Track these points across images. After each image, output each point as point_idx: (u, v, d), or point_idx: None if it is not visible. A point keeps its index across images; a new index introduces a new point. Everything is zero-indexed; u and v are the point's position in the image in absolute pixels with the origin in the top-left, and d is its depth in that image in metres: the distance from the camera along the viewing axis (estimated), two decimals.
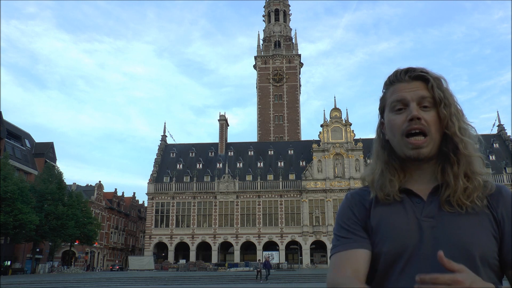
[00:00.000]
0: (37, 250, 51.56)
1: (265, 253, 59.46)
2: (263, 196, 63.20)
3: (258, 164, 66.39)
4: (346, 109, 70.82)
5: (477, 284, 1.01)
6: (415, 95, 1.32)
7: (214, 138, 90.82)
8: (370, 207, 1.38)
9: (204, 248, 63.13)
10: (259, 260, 43.06)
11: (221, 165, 66.89)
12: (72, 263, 59.57)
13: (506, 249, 1.25)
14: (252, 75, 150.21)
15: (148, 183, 65.27)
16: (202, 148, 70.33)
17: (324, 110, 78.99)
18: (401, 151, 1.34)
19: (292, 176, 64.10)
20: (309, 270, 48.53)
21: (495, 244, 1.25)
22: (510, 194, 1.32)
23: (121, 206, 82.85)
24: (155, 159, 68.70)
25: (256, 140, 77.85)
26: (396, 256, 1.28)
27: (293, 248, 61.82)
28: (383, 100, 1.44)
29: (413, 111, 1.30)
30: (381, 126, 1.47)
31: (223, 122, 71.98)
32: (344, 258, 1.31)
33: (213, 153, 69.37)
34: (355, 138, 64.47)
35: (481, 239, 1.24)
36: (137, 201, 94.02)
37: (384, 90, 1.45)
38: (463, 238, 1.24)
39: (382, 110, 1.45)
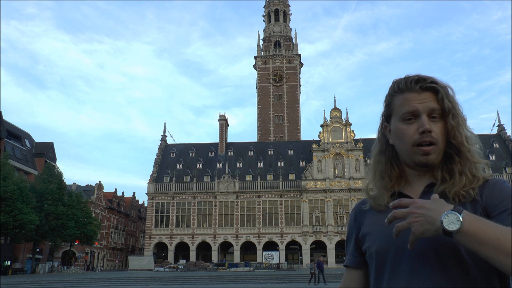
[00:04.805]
0: (37, 250, 51.60)
1: (265, 253, 59.57)
2: (263, 196, 63.19)
3: (258, 164, 66.37)
4: (346, 109, 70.89)
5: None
6: (426, 107, 1.37)
7: (214, 138, 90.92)
8: (365, 216, 1.52)
9: (204, 248, 63.10)
10: (312, 261, 37.62)
11: (221, 165, 66.87)
12: (72, 263, 59.54)
13: None
14: (251, 75, 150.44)
15: (148, 183, 65.27)
16: (202, 148, 70.32)
17: (324, 110, 79.21)
18: (409, 158, 1.40)
19: (292, 176, 64.08)
20: (309, 270, 48.42)
21: None
22: (498, 183, 1.34)
23: (121, 206, 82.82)
24: (155, 159, 68.70)
25: (256, 140, 77.82)
26: (384, 255, 1.37)
27: (293, 248, 61.79)
28: (389, 106, 1.47)
29: (425, 124, 1.35)
30: (384, 129, 1.51)
31: (223, 122, 71.96)
32: (344, 276, 1.57)
33: (213, 153, 69.35)
34: (355, 138, 64.46)
35: None
36: (137, 201, 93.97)
37: (390, 94, 1.48)
38: None
39: (387, 115, 1.49)
